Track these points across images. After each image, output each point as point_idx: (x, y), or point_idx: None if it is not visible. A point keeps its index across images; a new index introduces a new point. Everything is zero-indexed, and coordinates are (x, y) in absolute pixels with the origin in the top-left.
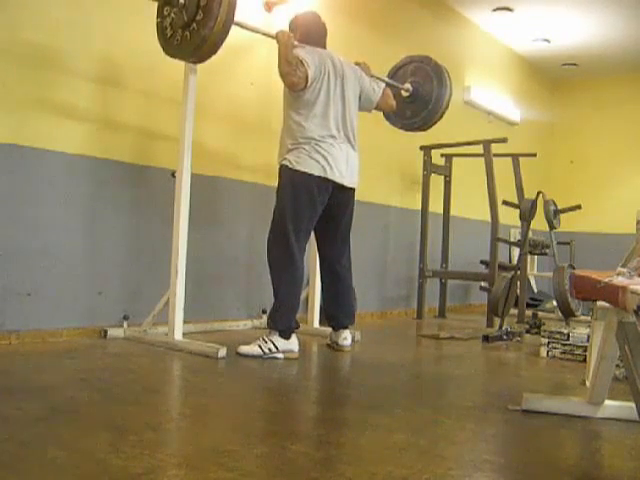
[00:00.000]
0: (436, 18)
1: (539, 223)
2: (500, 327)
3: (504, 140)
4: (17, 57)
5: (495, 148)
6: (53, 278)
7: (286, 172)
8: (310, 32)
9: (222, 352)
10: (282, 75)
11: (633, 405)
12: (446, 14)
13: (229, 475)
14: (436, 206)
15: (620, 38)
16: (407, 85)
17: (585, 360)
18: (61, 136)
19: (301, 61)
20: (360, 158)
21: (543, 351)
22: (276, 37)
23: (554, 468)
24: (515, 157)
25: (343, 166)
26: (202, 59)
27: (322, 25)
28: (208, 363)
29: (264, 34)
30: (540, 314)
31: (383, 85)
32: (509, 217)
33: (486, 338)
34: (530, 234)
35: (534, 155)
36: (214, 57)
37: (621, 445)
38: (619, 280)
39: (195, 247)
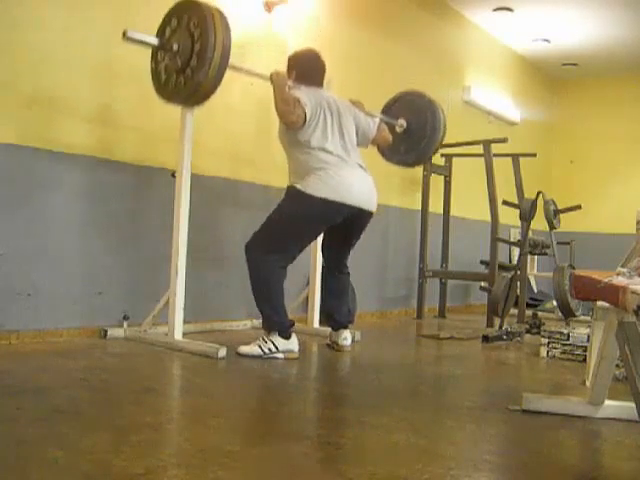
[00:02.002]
0: (436, 18)
1: (539, 223)
2: (500, 327)
3: (504, 140)
4: (17, 57)
5: (495, 148)
6: (53, 278)
7: (297, 194)
8: (306, 71)
9: (222, 352)
10: (280, 114)
11: (633, 405)
12: (446, 14)
13: (229, 475)
14: (436, 206)
15: (620, 38)
16: (401, 121)
17: (585, 360)
18: (61, 136)
19: (297, 100)
20: (360, 158)
21: (543, 351)
22: (270, 79)
23: (554, 468)
24: (515, 157)
25: (359, 189)
26: (197, 103)
27: (320, 63)
28: (208, 363)
29: (258, 76)
30: (540, 314)
31: (378, 120)
32: (509, 217)
33: (486, 338)
34: (530, 234)
35: (534, 155)
36: None
37: (621, 445)
38: (619, 280)
39: (195, 247)
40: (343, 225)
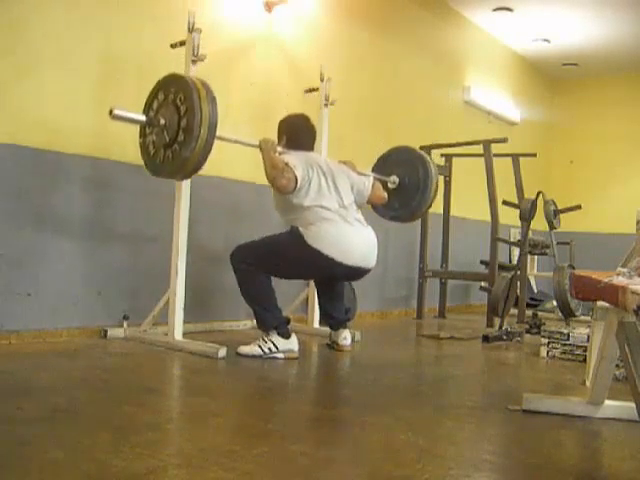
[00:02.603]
0: (436, 18)
1: (539, 223)
2: (500, 327)
3: (504, 140)
4: (17, 57)
5: (495, 148)
6: (53, 278)
7: (298, 238)
8: (297, 136)
9: (222, 352)
10: (270, 180)
11: (633, 405)
12: (446, 14)
13: (229, 475)
14: (436, 206)
15: (620, 38)
16: (393, 177)
17: (585, 360)
18: (61, 136)
19: (287, 164)
20: (360, 159)
21: (543, 351)
22: (259, 146)
23: (554, 468)
24: (515, 157)
25: (358, 247)
26: (186, 177)
27: (310, 128)
28: (208, 363)
29: (247, 145)
30: (540, 314)
31: (372, 179)
32: (509, 217)
33: (486, 338)
34: (530, 234)
35: (534, 155)
36: (214, 58)
37: (621, 445)
38: (619, 280)
39: (195, 247)
40: (338, 277)
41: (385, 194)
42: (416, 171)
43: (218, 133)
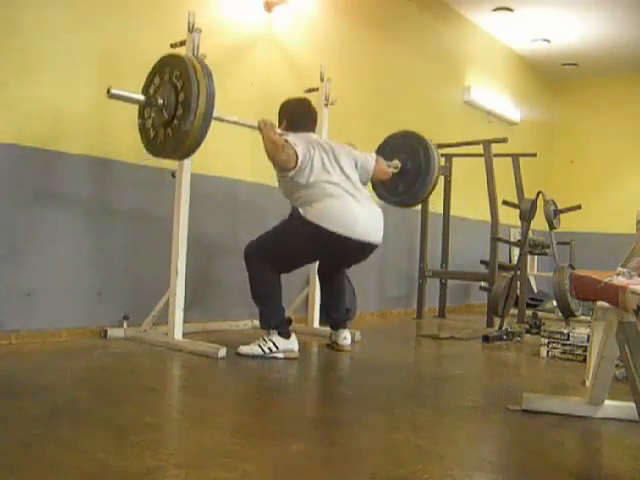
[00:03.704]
0: (436, 18)
1: (539, 223)
2: (500, 327)
3: (504, 140)
4: (17, 57)
5: (495, 148)
6: (53, 278)
7: (300, 220)
8: (297, 119)
9: (222, 352)
10: (271, 157)
11: (633, 405)
12: (446, 14)
13: (229, 475)
14: (436, 206)
15: (620, 38)
16: (395, 162)
17: (585, 360)
18: (61, 136)
19: (287, 142)
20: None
21: (543, 351)
22: (258, 126)
23: (554, 468)
24: (515, 157)
25: (365, 222)
26: (185, 154)
27: (311, 111)
28: (208, 363)
29: (247, 126)
30: (540, 314)
31: (374, 154)
32: (509, 217)
33: (486, 338)
34: (530, 234)
35: (534, 155)
36: (213, 58)
37: (621, 445)
38: (619, 280)
39: (195, 247)
40: (342, 255)
41: (389, 170)
42: (417, 154)
43: (217, 114)
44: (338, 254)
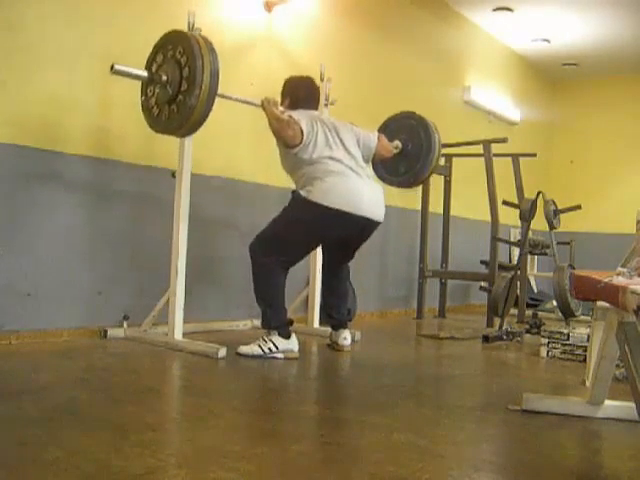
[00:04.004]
0: (436, 18)
1: (539, 223)
2: (500, 327)
3: (504, 140)
4: (17, 57)
5: (495, 148)
6: (53, 278)
7: (302, 201)
8: (301, 97)
9: (222, 352)
10: (276, 133)
11: (633, 405)
12: (446, 14)
13: (229, 475)
14: (436, 206)
15: (620, 38)
16: (396, 142)
17: (585, 360)
18: (61, 136)
19: (291, 117)
20: (368, 169)
21: (543, 351)
22: (261, 104)
23: (554, 468)
24: (515, 157)
25: (368, 199)
26: (190, 130)
27: (315, 89)
28: (208, 363)
29: (249, 103)
30: (540, 314)
31: (377, 132)
32: (509, 217)
33: (486, 338)
34: (530, 234)
35: (534, 155)
36: None
37: (621, 445)
38: (619, 280)
39: (195, 247)
40: (346, 236)
41: (391, 148)
42: (418, 134)
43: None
44: (341, 235)
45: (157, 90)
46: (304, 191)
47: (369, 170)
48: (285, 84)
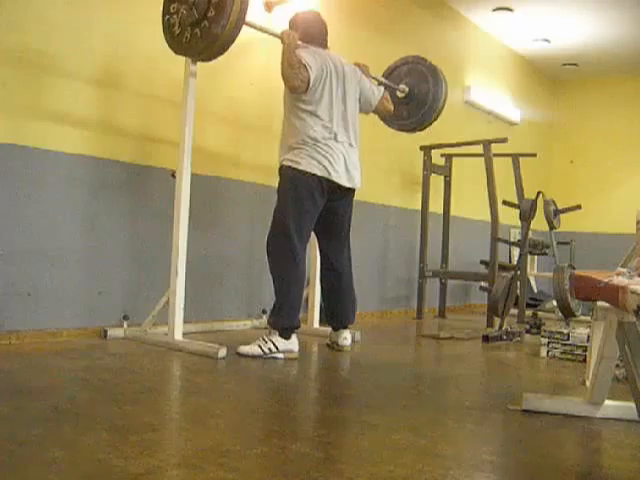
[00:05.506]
0: (436, 18)
1: (539, 223)
2: (500, 327)
3: (504, 140)
4: (17, 58)
5: (495, 148)
6: (53, 278)
7: (287, 172)
8: (310, 31)
9: (222, 352)
10: (284, 77)
11: (633, 405)
12: (446, 14)
13: (229, 475)
14: (436, 206)
15: (620, 38)
16: (402, 86)
17: (585, 360)
18: (61, 136)
19: (304, 65)
20: (360, 158)
21: (543, 351)
22: (281, 37)
23: (554, 468)
24: (515, 157)
25: (344, 167)
26: (211, 57)
27: (323, 24)
28: (208, 363)
29: (270, 33)
30: (540, 314)
31: (382, 89)
32: (509, 217)
33: (486, 338)
34: (530, 234)
35: (534, 155)
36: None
37: (621, 445)
38: (619, 280)
39: (195, 247)
40: (328, 207)
41: (392, 107)
42: (426, 80)
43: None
44: (321, 200)
45: (183, 10)
46: (287, 161)
47: (353, 132)
48: (294, 18)
